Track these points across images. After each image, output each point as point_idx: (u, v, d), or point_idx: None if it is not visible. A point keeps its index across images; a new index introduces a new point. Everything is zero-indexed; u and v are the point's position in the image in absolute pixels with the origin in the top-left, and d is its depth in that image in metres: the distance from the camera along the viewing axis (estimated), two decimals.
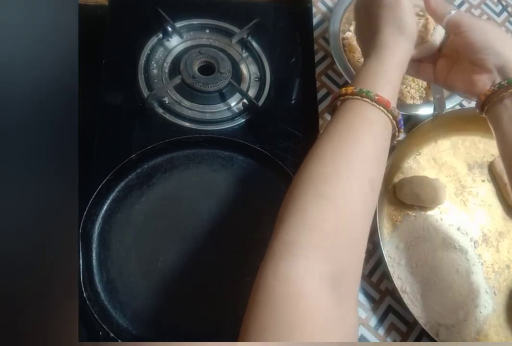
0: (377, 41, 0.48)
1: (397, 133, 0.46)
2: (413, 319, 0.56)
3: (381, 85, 0.44)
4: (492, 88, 0.47)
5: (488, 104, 0.48)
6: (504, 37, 0.48)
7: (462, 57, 0.50)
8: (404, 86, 0.67)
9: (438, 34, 0.53)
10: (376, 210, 0.58)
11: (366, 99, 0.43)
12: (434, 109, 0.64)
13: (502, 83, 0.46)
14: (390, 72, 0.46)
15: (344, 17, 0.67)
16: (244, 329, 0.32)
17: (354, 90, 0.44)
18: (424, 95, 0.67)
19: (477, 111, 0.51)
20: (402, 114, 0.46)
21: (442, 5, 0.50)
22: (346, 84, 0.68)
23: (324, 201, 0.38)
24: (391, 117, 0.44)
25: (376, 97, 0.43)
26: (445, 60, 0.53)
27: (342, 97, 0.45)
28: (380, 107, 0.43)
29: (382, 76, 0.45)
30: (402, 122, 0.45)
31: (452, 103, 0.65)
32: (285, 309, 0.32)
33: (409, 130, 0.63)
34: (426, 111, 0.64)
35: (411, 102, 0.66)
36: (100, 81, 0.62)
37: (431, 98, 0.67)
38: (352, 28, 0.70)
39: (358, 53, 0.69)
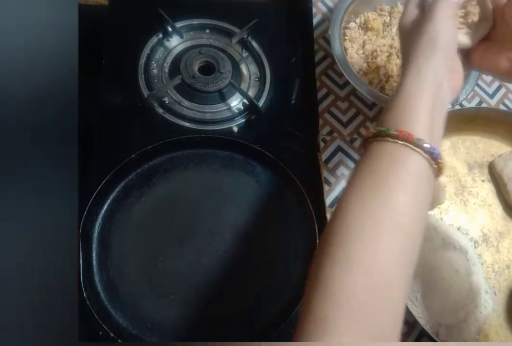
0: (405, 64, 0.43)
1: (435, 165, 0.39)
2: (413, 319, 0.56)
3: (403, 117, 0.39)
4: None
5: None
6: None
7: (500, 34, 0.45)
8: (396, 84, 0.67)
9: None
10: None
11: (387, 138, 0.38)
12: None
13: None
14: (414, 98, 0.40)
15: (344, 17, 0.67)
16: None
17: (374, 132, 0.40)
18: None
19: None
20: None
21: None
22: (346, 84, 0.68)
23: (353, 263, 0.34)
24: (420, 151, 0.38)
25: (396, 133, 0.38)
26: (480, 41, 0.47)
27: (365, 142, 0.41)
28: (405, 143, 0.37)
29: (403, 106, 0.40)
30: (437, 152, 0.38)
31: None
32: None
33: None
34: None
35: None
36: (100, 81, 0.62)
37: None
38: (353, 24, 0.70)
39: (357, 44, 0.69)
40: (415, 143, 0.37)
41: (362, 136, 0.42)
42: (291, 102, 0.67)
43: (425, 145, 0.37)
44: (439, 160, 0.38)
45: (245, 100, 0.65)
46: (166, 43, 0.67)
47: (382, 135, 0.39)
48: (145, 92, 0.63)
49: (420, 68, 0.41)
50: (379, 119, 0.42)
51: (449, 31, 0.42)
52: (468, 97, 0.67)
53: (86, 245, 0.54)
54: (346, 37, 0.69)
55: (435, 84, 0.41)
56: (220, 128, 0.63)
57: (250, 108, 0.64)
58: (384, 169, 0.38)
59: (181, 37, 0.67)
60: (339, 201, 0.39)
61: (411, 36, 0.44)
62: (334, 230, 0.36)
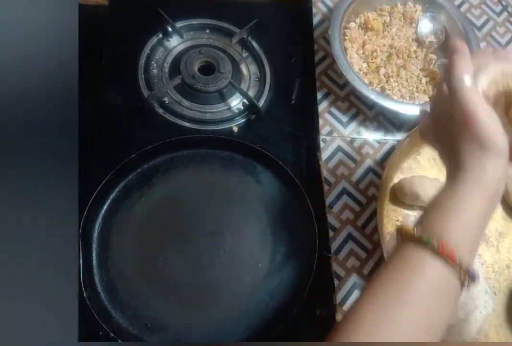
0: (455, 166, 0.38)
1: (468, 283, 0.36)
2: None
3: (450, 226, 0.36)
4: None
5: None
6: None
7: None
8: (396, 84, 0.67)
9: None
10: (376, 210, 0.58)
11: (427, 248, 0.35)
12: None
13: None
14: (467, 206, 0.36)
15: (344, 17, 0.67)
16: None
17: (413, 233, 0.36)
18: (414, 96, 0.67)
19: None
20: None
21: None
22: (346, 84, 0.68)
23: None
24: (459, 271, 0.35)
25: (439, 246, 0.35)
26: None
27: (401, 236, 0.38)
28: (444, 260, 0.35)
29: (455, 212, 0.36)
30: (475, 273, 0.36)
31: None
32: None
33: (409, 130, 0.63)
34: None
35: (401, 100, 0.66)
36: (100, 81, 0.62)
37: (417, 101, 0.67)
38: (353, 24, 0.70)
39: (357, 44, 0.69)
40: (456, 263, 0.35)
41: (401, 226, 0.38)
42: (291, 102, 0.67)
43: (465, 265, 0.35)
44: (473, 279, 0.36)
45: (245, 100, 0.65)
46: (166, 43, 0.67)
47: (422, 242, 0.36)
48: (145, 92, 0.63)
49: (485, 169, 0.37)
50: (426, 212, 0.39)
51: (496, 131, 0.37)
52: None
53: (86, 245, 0.54)
54: (346, 37, 0.69)
55: (497, 187, 0.37)
56: (220, 128, 0.63)
57: (250, 108, 0.64)
58: (414, 281, 0.35)
59: (181, 37, 0.67)
60: (356, 302, 0.36)
61: (453, 130, 0.39)
62: (347, 333, 0.34)
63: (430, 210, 0.38)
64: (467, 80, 0.37)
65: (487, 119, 0.37)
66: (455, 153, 0.39)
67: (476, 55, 0.40)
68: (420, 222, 0.38)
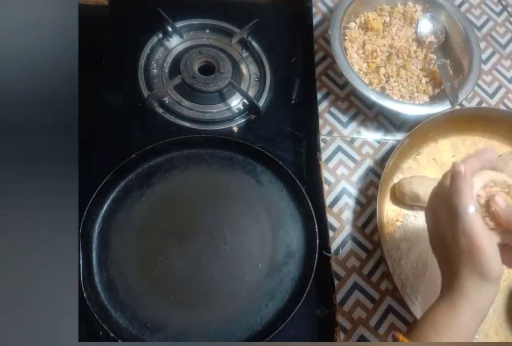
0: (454, 285, 0.41)
1: None
2: (413, 319, 0.56)
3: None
4: None
5: None
6: None
7: None
8: (396, 84, 0.67)
9: None
10: (376, 210, 0.58)
11: None
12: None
13: None
14: (463, 330, 0.40)
15: (344, 17, 0.67)
16: None
17: None
18: (414, 96, 0.67)
19: None
20: None
21: None
22: (346, 84, 0.68)
23: None
24: None
25: None
26: None
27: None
28: None
29: (451, 334, 0.39)
30: None
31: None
32: None
33: (409, 130, 0.63)
34: (427, 111, 0.64)
35: (401, 100, 0.66)
36: (100, 81, 0.62)
37: (417, 101, 0.67)
38: (353, 24, 0.70)
39: (357, 44, 0.69)
40: None
41: (398, 335, 0.41)
42: (291, 102, 0.67)
43: None
44: None
45: (245, 100, 0.65)
46: (166, 43, 0.67)
47: None
48: (145, 92, 0.63)
49: (483, 295, 0.39)
50: (422, 325, 0.41)
51: (497, 264, 0.39)
52: (468, 97, 0.67)
53: (86, 245, 0.54)
54: (346, 37, 0.69)
55: (489, 308, 0.40)
56: (220, 128, 0.63)
57: (250, 108, 0.64)
58: None
59: (181, 37, 0.67)
60: None
61: (454, 250, 0.41)
62: None
63: (426, 325, 0.41)
64: (471, 209, 0.39)
65: (490, 250, 0.39)
66: (454, 272, 0.41)
67: (473, 156, 0.42)
68: (414, 334, 0.41)
